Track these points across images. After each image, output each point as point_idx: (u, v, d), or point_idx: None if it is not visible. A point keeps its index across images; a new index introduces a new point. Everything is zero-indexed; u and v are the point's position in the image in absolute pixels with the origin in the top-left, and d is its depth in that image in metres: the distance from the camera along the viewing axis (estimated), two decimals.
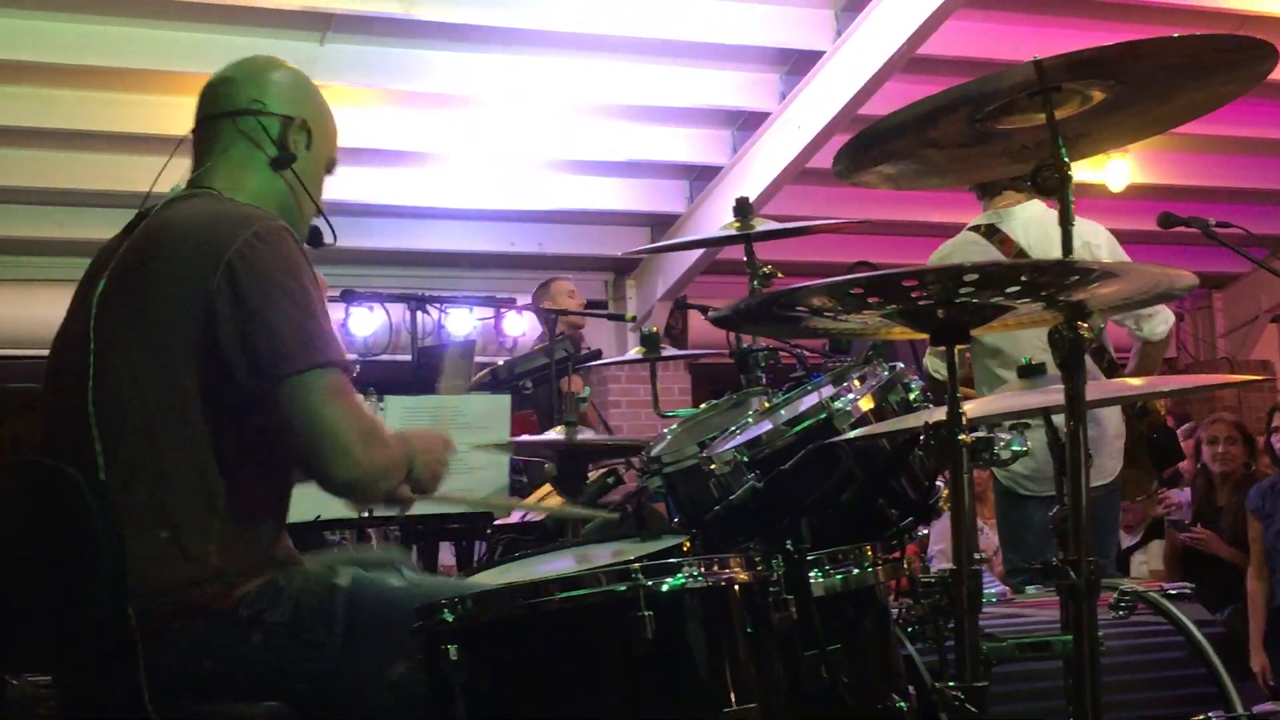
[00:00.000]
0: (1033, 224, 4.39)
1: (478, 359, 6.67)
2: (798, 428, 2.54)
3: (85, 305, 2.46)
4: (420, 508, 2.82)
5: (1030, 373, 2.50)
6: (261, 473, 2.45)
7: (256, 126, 2.57)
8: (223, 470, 2.37)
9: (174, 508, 2.34)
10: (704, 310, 4.64)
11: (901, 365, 2.74)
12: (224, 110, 2.60)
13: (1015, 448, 2.29)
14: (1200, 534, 6.56)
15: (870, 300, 1.98)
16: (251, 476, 2.42)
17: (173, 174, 2.63)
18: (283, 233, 2.42)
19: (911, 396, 2.66)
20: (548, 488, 4.71)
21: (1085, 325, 2.00)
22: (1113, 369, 4.49)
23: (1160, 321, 4.50)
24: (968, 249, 4.46)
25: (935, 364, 4.40)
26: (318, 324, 2.38)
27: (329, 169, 2.73)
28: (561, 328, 6.70)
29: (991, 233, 4.45)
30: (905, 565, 2.51)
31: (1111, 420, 4.47)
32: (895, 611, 2.46)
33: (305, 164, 2.63)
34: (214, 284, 2.34)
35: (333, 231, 2.76)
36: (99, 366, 2.39)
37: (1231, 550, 6.41)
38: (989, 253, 4.38)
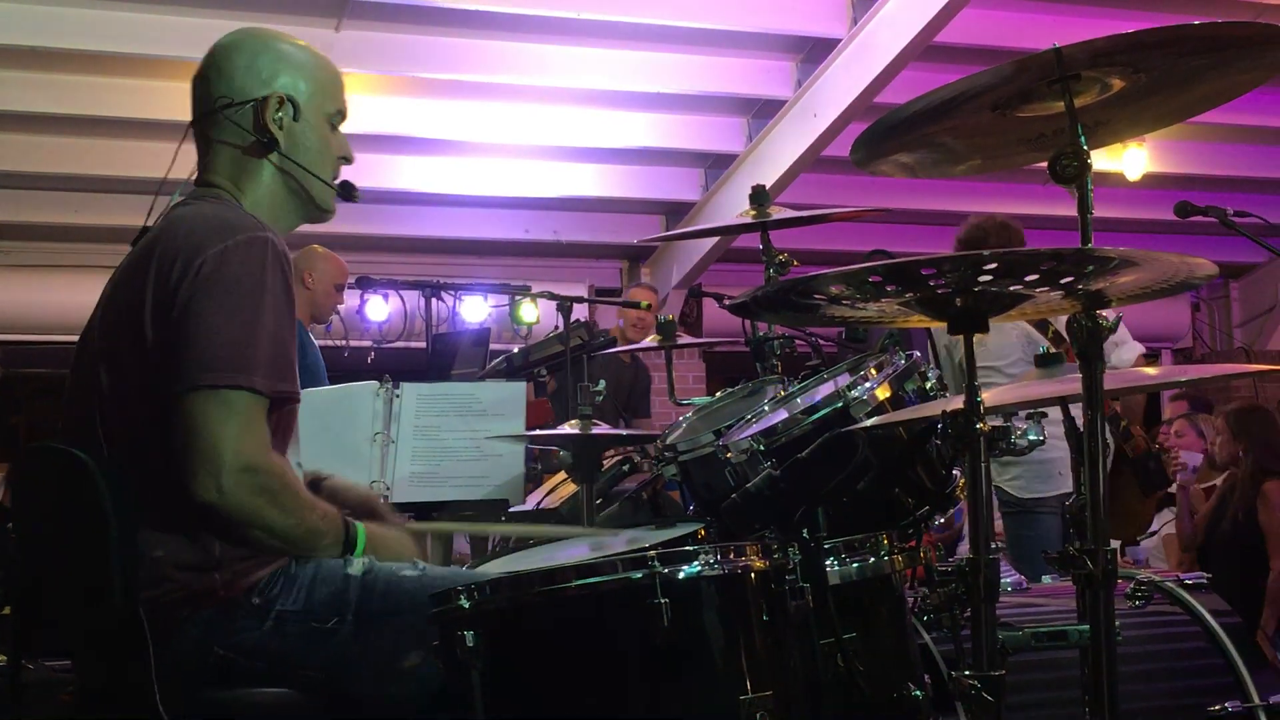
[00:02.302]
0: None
1: (492, 346, 6.68)
2: (814, 416, 2.53)
3: (100, 309, 2.49)
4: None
5: (1048, 362, 2.50)
6: None
7: (231, 123, 2.56)
8: None
9: (177, 497, 2.34)
10: (719, 298, 4.63)
11: (918, 354, 2.73)
12: (202, 112, 2.60)
13: (1031, 437, 2.28)
14: None
15: (888, 288, 1.98)
16: None
17: (185, 160, 2.63)
18: (263, 245, 2.38)
19: (928, 385, 2.66)
20: (562, 475, 4.72)
21: (1103, 314, 1.99)
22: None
23: (1129, 350, 4.53)
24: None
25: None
26: (259, 344, 2.33)
27: (336, 121, 2.67)
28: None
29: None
30: (921, 554, 2.50)
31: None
32: (911, 600, 2.46)
33: (297, 135, 2.59)
34: (180, 282, 2.34)
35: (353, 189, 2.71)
36: (106, 365, 2.40)
37: None
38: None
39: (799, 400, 2.77)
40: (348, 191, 2.70)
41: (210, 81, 2.59)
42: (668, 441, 2.85)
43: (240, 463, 2.29)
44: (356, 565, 2.44)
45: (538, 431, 4.29)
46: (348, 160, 2.70)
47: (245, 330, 2.32)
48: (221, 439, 2.28)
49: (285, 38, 2.67)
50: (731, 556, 2.18)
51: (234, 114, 2.55)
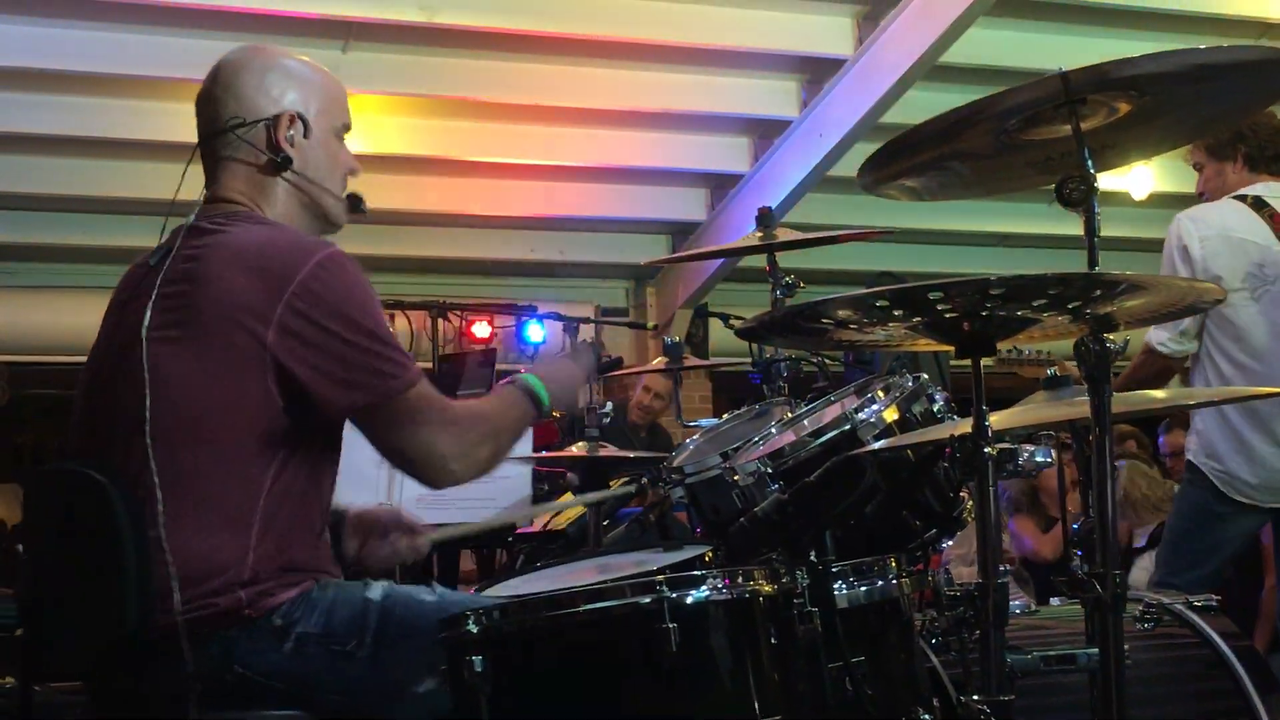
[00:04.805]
0: None
1: (498, 367, 6.68)
2: (822, 439, 2.53)
3: (130, 325, 2.44)
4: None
5: (1055, 384, 2.50)
6: (303, 486, 2.45)
7: (243, 142, 2.57)
8: (265, 485, 2.37)
9: (216, 516, 2.35)
10: (725, 319, 4.63)
11: (925, 376, 2.73)
12: (212, 131, 2.61)
13: (1039, 459, 2.28)
14: None
15: (895, 312, 1.98)
16: (293, 490, 2.42)
17: (193, 181, 2.63)
18: (344, 260, 2.45)
19: (935, 408, 2.66)
20: (568, 497, 4.72)
21: (1112, 337, 2.00)
22: None
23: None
24: (1230, 216, 4.32)
25: (1171, 338, 4.21)
26: (387, 348, 2.42)
27: (341, 134, 2.69)
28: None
29: (1260, 205, 4.30)
30: (930, 577, 2.50)
31: None
32: (919, 623, 2.45)
33: (307, 152, 2.61)
34: (278, 312, 2.35)
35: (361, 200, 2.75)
36: (155, 384, 2.38)
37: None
38: (1255, 224, 4.27)
39: (806, 423, 2.77)
40: (356, 204, 2.72)
41: (219, 100, 2.60)
42: (675, 463, 2.85)
43: (452, 445, 2.45)
44: (376, 589, 2.45)
45: (545, 453, 4.29)
46: (354, 173, 2.72)
47: (370, 342, 2.40)
48: (425, 442, 2.43)
49: (290, 54, 2.69)
50: (739, 580, 2.18)
51: (246, 133, 2.57)
